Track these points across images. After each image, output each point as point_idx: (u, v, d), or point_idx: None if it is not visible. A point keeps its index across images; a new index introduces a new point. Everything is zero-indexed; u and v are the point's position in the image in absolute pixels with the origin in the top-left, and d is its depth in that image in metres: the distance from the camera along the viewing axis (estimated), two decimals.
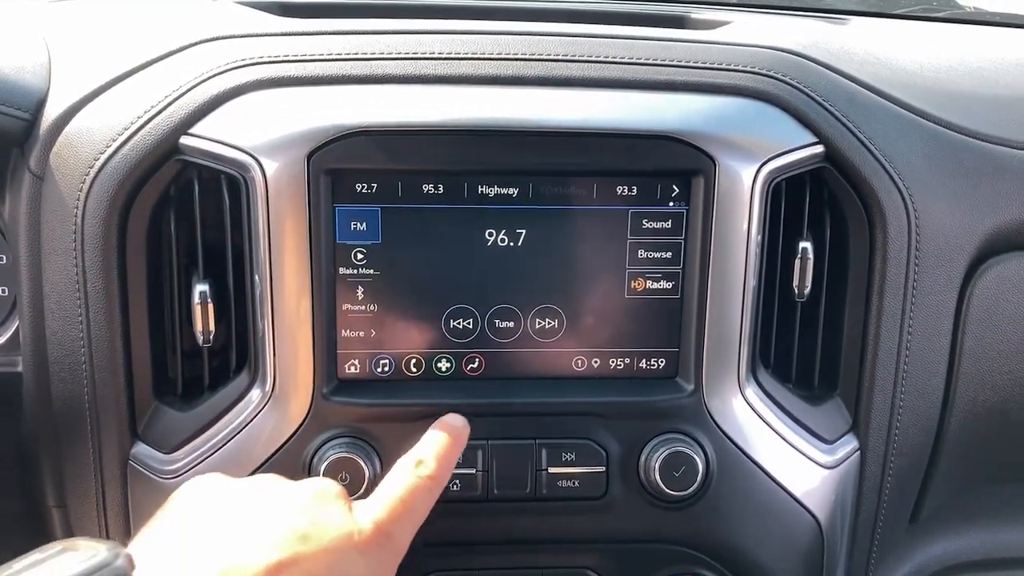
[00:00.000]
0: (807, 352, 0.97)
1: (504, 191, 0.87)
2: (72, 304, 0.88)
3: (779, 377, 0.96)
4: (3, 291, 0.98)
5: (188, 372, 0.92)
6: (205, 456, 0.89)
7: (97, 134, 0.87)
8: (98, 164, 0.86)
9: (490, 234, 0.88)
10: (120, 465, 0.92)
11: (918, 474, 1.03)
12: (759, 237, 0.89)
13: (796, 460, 0.94)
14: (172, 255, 0.90)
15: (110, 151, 0.86)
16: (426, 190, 0.86)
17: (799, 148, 0.89)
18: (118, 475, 0.92)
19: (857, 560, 1.03)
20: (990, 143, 0.99)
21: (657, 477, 0.88)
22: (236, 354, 0.91)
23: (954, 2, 1.52)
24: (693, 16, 1.17)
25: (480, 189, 0.87)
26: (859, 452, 0.97)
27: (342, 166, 0.84)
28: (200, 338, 0.89)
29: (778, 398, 0.94)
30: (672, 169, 0.87)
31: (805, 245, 0.92)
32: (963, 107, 1.01)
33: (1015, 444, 1.05)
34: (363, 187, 0.86)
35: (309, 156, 0.83)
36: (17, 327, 0.96)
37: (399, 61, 0.88)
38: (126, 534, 0.95)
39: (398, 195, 0.86)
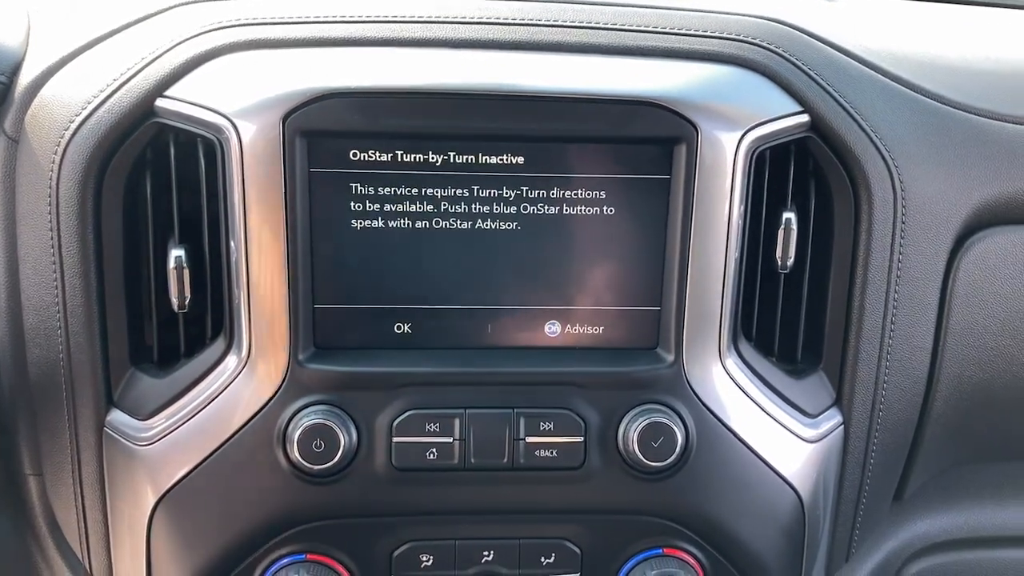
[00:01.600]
0: (790, 325, 0.96)
1: (483, 158, 0.86)
2: (47, 269, 0.88)
3: (762, 350, 0.95)
4: None
5: (164, 339, 0.92)
6: (180, 423, 0.89)
7: (72, 96, 0.86)
8: (73, 126, 0.85)
9: (469, 201, 0.87)
10: (95, 432, 0.91)
11: (902, 451, 1.02)
12: (742, 207, 0.88)
13: (778, 433, 0.93)
14: (148, 220, 0.89)
15: (85, 113, 0.85)
16: (402, 156, 0.85)
17: (783, 117, 0.88)
18: (93, 442, 0.92)
19: (839, 536, 1.02)
20: (979, 116, 0.98)
21: (635, 448, 0.88)
22: (212, 320, 0.90)
23: None
24: None
25: (458, 155, 0.85)
26: (842, 427, 0.96)
27: (318, 128, 0.83)
28: (175, 304, 0.88)
29: (760, 371, 0.93)
30: (654, 136, 0.86)
31: (789, 216, 0.91)
32: (952, 80, 1.00)
33: (1000, 421, 1.04)
34: (339, 152, 0.84)
35: (284, 118, 0.82)
36: None
37: (376, 24, 0.87)
38: (102, 501, 0.94)
39: (374, 160, 0.85)
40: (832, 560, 1.04)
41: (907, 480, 1.05)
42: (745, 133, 0.86)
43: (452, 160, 0.86)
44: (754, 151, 0.87)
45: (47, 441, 0.94)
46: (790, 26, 0.94)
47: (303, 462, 0.86)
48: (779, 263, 0.92)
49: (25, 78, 0.89)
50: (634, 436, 0.88)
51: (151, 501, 0.90)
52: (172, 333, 0.91)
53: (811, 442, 0.94)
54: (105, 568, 0.97)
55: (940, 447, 1.04)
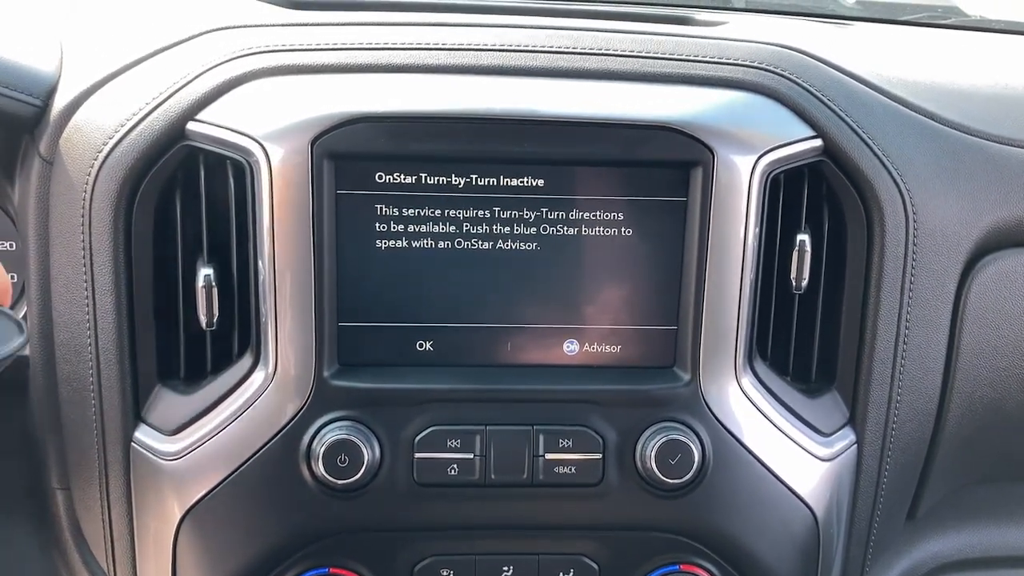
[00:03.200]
0: (805, 345, 0.98)
1: (504, 180, 0.88)
2: (79, 287, 0.90)
3: (776, 369, 0.97)
4: (12, 277, 1.00)
5: (191, 356, 0.94)
6: (207, 438, 0.90)
7: (106, 120, 0.89)
8: (107, 149, 0.88)
9: (490, 223, 0.89)
10: (123, 447, 0.93)
11: (915, 469, 1.03)
12: (757, 229, 0.90)
13: (792, 452, 0.94)
14: (177, 239, 0.91)
15: (118, 136, 0.88)
16: (425, 179, 0.87)
17: (797, 142, 0.90)
18: (120, 457, 0.94)
19: (854, 554, 1.03)
20: (989, 141, 1.00)
21: (653, 465, 0.89)
22: (239, 337, 0.92)
23: (959, 10, 1.53)
24: (697, 16, 1.19)
25: (480, 178, 0.88)
26: (856, 446, 0.98)
27: (345, 151, 0.85)
28: (203, 321, 0.90)
29: (775, 389, 0.95)
30: (672, 160, 0.88)
31: (803, 238, 0.93)
32: (962, 105, 1.02)
33: (1012, 441, 1.06)
34: (365, 174, 0.87)
35: (313, 142, 0.85)
36: (24, 313, 0.98)
37: (402, 51, 0.89)
38: (128, 515, 0.96)
39: (398, 183, 0.87)
40: None
41: (920, 499, 1.07)
42: (760, 157, 0.88)
43: (474, 183, 0.88)
44: (769, 175, 0.89)
45: (75, 456, 0.96)
46: (804, 53, 0.96)
47: (327, 477, 0.88)
48: (794, 284, 0.94)
49: (60, 102, 0.92)
50: (651, 453, 0.89)
51: (177, 515, 0.92)
52: (199, 350, 0.93)
53: (825, 460, 0.96)
54: None
55: (953, 466, 1.05)
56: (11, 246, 1.00)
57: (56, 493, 1.01)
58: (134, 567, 0.98)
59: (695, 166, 0.88)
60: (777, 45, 0.96)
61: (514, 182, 0.88)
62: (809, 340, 0.98)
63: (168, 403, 0.93)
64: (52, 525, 1.03)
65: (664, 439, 0.89)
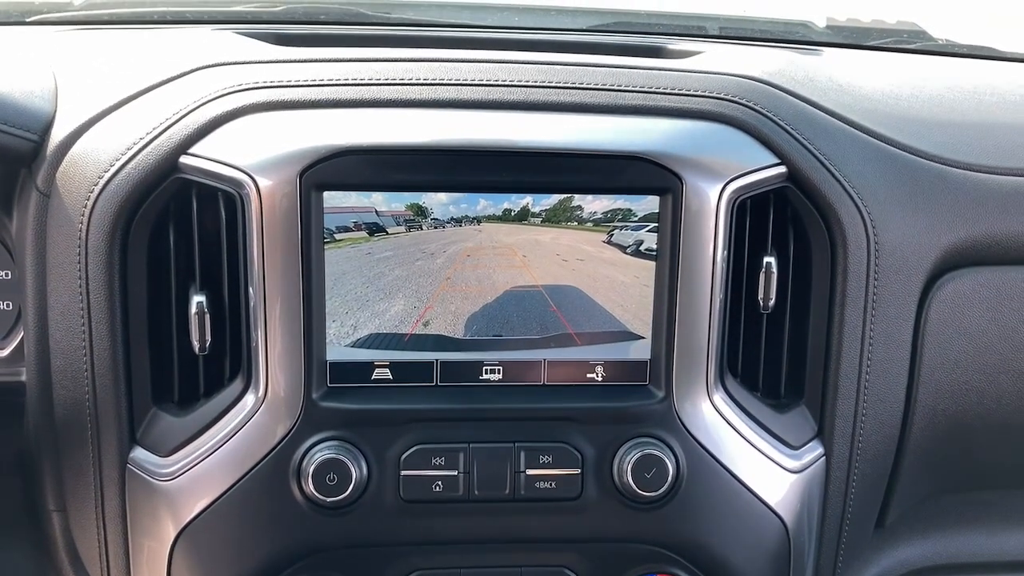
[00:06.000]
0: (774, 362, 1.02)
1: (487, 209, 0.92)
2: (75, 316, 0.93)
3: (747, 386, 1.01)
4: (7, 305, 1.03)
5: (184, 380, 0.97)
6: (201, 459, 0.94)
7: (101, 154, 0.93)
8: (102, 182, 0.91)
9: (472, 250, 0.93)
10: (119, 469, 0.96)
11: (882, 480, 1.08)
12: (725, 252, 0.94)
13: (763, 464, 0.98)
14: (171, 268, 0.95)
15: (113, 170, 0.91)
16: (410, 210, 0.91)
17: (762, 168, 0.95)
18: (116, 479, 0.97)
19: (824, 563, 1.07)
20: (945, 165, 1.04)
21: (629, 479, 0.93)
22: (230, 362, 0.96)
23: (926, 35, 1.58)
24: (669, 47, 1.23)
25: (463, 207, 0.92)
26: (824, 458, 1.02)
27: (332, 182, 0.89)
28: (197, 346, 0.93)
29: (745, 405, 0.99)
30: (642, 187, 0.92)
31: (769, 260, 0.97)
32: (920, 132, 1.07)
33: (974, 452, 1.10)
34: (350, 204, 0.91)
35: (301, 174, 0.89)
36: (21, 339, 1.01)
37: (387, 87, 0.94)
38: (124, 535, 0.99)
39: (384, 212, 0.91)
40: None
41: (888, 508, 1.11)
42: (727, 184, 0.93)
43: (458, 211, 0.92)
44: (735, 200, 0.94)
45: (71, 478, 0.99)
46: (769, 84, 1.01)
47: (317, 495, 0.91)
48: (761, 304, 0.98)
49: (56, 137, 0.95)
50: (628, 468, 0.93)
51: (172, 534, 0.95)
52: (192, 374, 0.97)
53: (795, 472, 1.00)
54: None
55: (918, 477, 1.09)
56: (7, 275, 1.03)
57: (52, 515, 1.04)
58: None
59: (665, 193, 0.92)
60: (744, 77, 1.01)
61: (496, 211, 0.92)
62: (778, 357, 1.02)
63: (162, 425, 0.96)
64: (48, 547, 1.06)
65: (640, 454, 0.93)
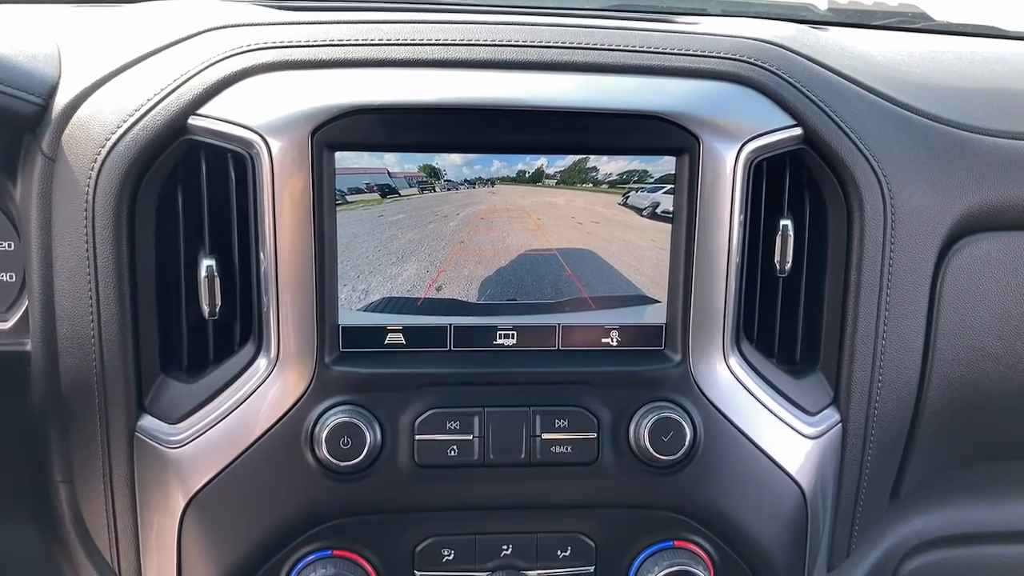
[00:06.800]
0: (790, 328, 1.01)
1: (501, 170, 0.91)
2: (82, 281, 0.92)
3: (763, 351, 1.00)
4: (10, 276, 1.01)
5: (193, 346, 0.96)
6: (210, 426, 0.92)
7: (108, 116, 0.91)
8: (109, 144, 0.90)
9: (485, 213, 0.92)
10: (127, 437, 0.95)
11: (898, 449, 1.07)
12: (742, 214, 0.93)
13: (780, 429, 0.97)
14: (180, 232, 0.93)
15: (121, 132, 0.90)
16: (425, 170, 0.90)
17: (778, 130, 0.94)
18: (124, 447, 0.95)
19: (840, 532, 1.07)
20: (960, 130, 1.04)
21: (647, 442, 0.92)
22: (240, 327, 0.94)
23: (927, 16, 1.58)
24: (675, 20, 1.22)
25: (477, 168, 0.91)
26: (840, 425, 1.01)
27: (344, 142, 0.88)
28: (206, 311, 0.92)
29: (761, 370, 0.98)
30: (659, 147, 0.91)
31: (785, 223, 0.96)
32: (935, 97, 1.06)
33: (989, 421, 1.09)
34: (362, 165, 0.90)
35: (313, 133, 0.87)
36: (25, 310, 0.99)
37: (398, 47, 0.92)
38: (132, 505, 0.97)
39: (398, 173, 0.90)
40: (833, 555, 1.08)
41: (903, 478, 1.10)
42: (743, 145, 0.92)
43: (471, 173, 0.91)
44: (752, 162, 0.93)
45: (78, 448, 0.97)
46: (784, 47, 1.00)
47: (331, 459, 0.90)
48: (777, 267, 0.97)
49: (61, 100, 0.94)
50: (645, 432, 0.92)
51: (182, 503, 0.94)
52: (201, 340, 0.95)
53: (811, 438, 0.99)
54: (134, 570, 1.00)
55: (934, 446, 1.09)
56: (9, 246, 1.02)
57: (59, 487, 1.02)
58: (138, 555, 0.99)
59: (682, 153, 0.91)
60: (759, 40, 1.00)
61: (511, 172, 0.91)
62: (793, 323, 1.01)
63: (171, 392, 0.95)
64: (55, 520, 1.04)
65: (656, 417, 0.92)
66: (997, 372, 1.05)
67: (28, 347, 0.98)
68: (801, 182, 0.99)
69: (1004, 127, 1.05)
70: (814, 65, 1.00)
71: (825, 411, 1.01)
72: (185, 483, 0.93)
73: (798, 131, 0.95)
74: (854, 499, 1.05)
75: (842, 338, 1.00)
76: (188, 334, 0.95)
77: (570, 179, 0.92)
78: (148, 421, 0.95)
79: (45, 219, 0.93)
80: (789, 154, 0.96)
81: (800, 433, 0.98)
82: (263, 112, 0.89)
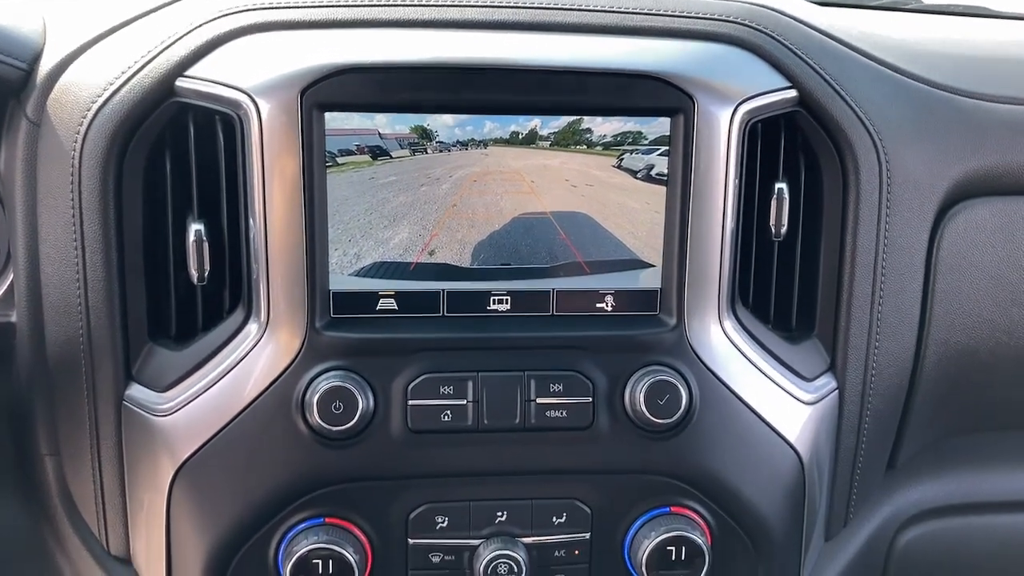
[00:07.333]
0: (785, 293, 1.00)
1: (493, 132, 0.90)
2: (68, 247, 0.90)
3: (759, 317, 0.99)
4: None
5: (182, 313, 0.94)
6: (199, 393, 0.91)
7: (94, 79, 0.90)
8: (95, 107, 0.89)
9: (478, 175, 0.91)
10: (114, 407, 0.93)
11: (895, 417, 1.06)
12: (737, 177, 0.92)
13: (776, 394, 0.96)
14: (167, 196, 0.92)
15: (107, 95, 0.89)
16: (417, 130, 0.89)
17: (773, 91, 0.93)
18: (112, 417, 0.94)
19: (837, 501, 1.06)
20: (958, 95, 1.03)
21: (642, 406, 0.91)
22: (230, 292, 0.93)
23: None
24: None
25: (469, 129, 0.89)
26: (837, 392, 1.00)
27: (333, 102, 0.87)
28: (195, 276, 0.91)
29: (757, 335, 0.97)
30: (653, 108, 0.90)
31: (781, 185, 0.95)
32: (930, 62, 1.05)
33: (986, 390, 1.09)
34: (353, 126, 0.88)
35: (302, 93, 0.86)
36: (10, 283, 0.97)
37: (388, 7, 0.91)
38: (120, 476, 0.96)
39: (390, 134, 0.89)
40: (830, 525, 1.07)
41: (900, 448, 1.09)
42: (738, 106, 0.91)
43: (463, 134, 0.89)
44: (747, 124, 0.92)
45: (65, 420, 0.96)
46: (778, 11, 0.99)
47: (322, 424, 0.88)
48: (773, 231, 0.96)
49: (46, 64, 0.93)
50: (640, 395, 0.91)
51: (170, 472, 0.92)
52: (189, 308, 0.94)
53: (808, 404, 0.98)
54: (123, 542, 0.99)
55: (930, 415, 1.08)
56: None
57: (45, 460, 1.00)
58: (126, 527, 0.98)
59: (676, 114, 0.90)
60: (752, 3, 0.99)
61: (503, 133, 0.90)
62: (789, 289, 1.00)
63: (159, 360, 0.93)
64: (40, 495, 1.02)
65: (652, 381, 0.91)
66: (993, 339, 1.04)
67: (13, 318, 0.96)
68: (796, 146, 0.98)
69: (1000, 92, 1.04)
70: (808, 28, 0.99)
71: (822, 377, 1.00)
72: (174, 452, 0.92)
73: (793, 93, 0.94)
74: (851, 468, 1.04)
75: (838, 304, 0.99)
76: (176, 301, 0.94)
77: (564, 141, 0.91)
78: (136, 390, 0.93)
79: (30, 186, 0.92)
80: (784, 117, 0.95)
81: (797, 399, 0.97)
82: (252, 73, 0.87)
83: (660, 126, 0.91)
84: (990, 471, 1.19)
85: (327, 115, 0.87)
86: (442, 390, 0.91)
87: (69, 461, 0.98)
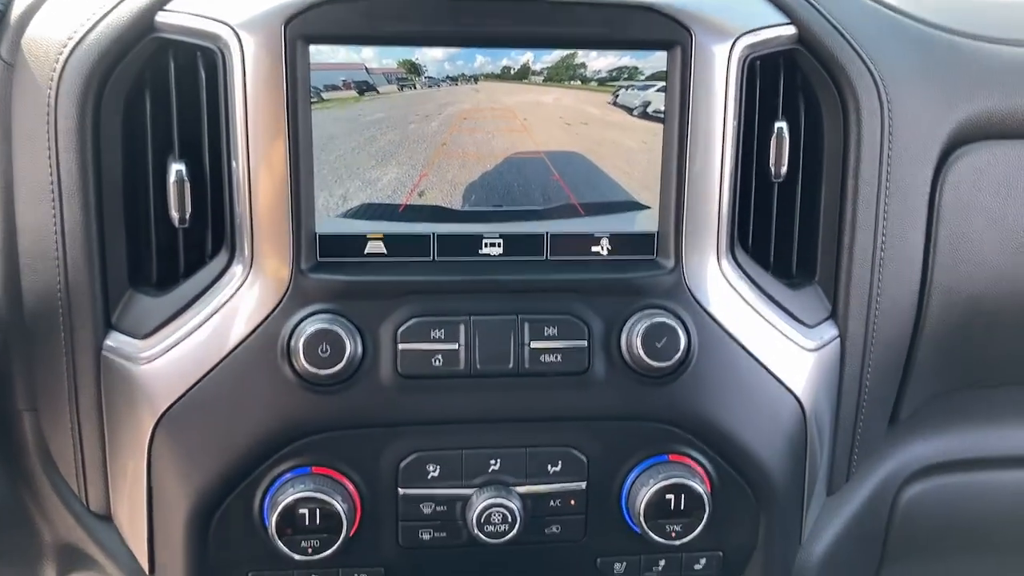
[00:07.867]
0: (785, 238, 0.98)
1: (484, 66, 0.87)
2: (44, 191, 0.87)
3: (759, 262, 0.97)
4: None
5: (163, 258, 0.91)
6: (181, 339, 0.88)
7: (70, 15, 0.87)
8: (71, 44, 0.85)
9: (469, 112, 0.88)
10: (93, 357, 0.90)
11: (897, 368, 1.03)
12: (735, 116, 0.90)
13: (777, 340, 0.94)
14: (147, 138, 0.89)
15: (83, 31, 0.86)
16: (404, 65, 0.86)
17: (771, 27, 0.90)
18: (91, 368, 0.90)
19: (839, 455, 1.03)
20: (960, 37, 1.01)
21: (639, 349, 0.88)
22: (213, 236, 0.90)
23: None
24: None
25: (459, 63, 0.87)
26: (839, 340, 0.98)
27: (319, 34, 0.84)
28: (176, 218, 0.88)
29: (757, 279, 0.94)
30: (649, 40, 0.87)
31: (780, 125, 0.93)
32: (931, 5, 1.03)
33: (990, 340, 1.06)
34: (339, 60, 0.85)
35: (286, 24, 0.83)
36: None
37: None
38: (100, 429, 0.93)
39: (376, 68, 0.86)
40: (833, 479, 1.04)
41: (902, 401, 1.06)
42: (736, 40, 0.88)
43: (453, 68, 0.87)
44: (745, 60, 0.90)
45: (42, 373, 0.92)
46: None
47: (309, 368, 0.85)
48: (773, 171, 0.94)
49: (20, 3, 0.90)
50: (637, 338, 0.88)
51: (151, 423, 0.89)
52: (171, 253, 0.91)
53: (810, 351, 0.95)
54: (103, 498, 0.95)
55: (934, 367, 1.05)
56: None
57: (22, 416, 0.97)
58: (107, 485, 0.95)
59: (673, 47, 0.87)
60: None
61: (494, 67, 0.87)
62: (789, 233, 0.98)
63: (140, 307, 0.90)
64: (17, 452, 0.99)
65: (649, 323, 0.88)
66: (998, 286, 1.02)
67: None
68: (796, 86, 0.95)
69: (1002, 34, 1.02)
70: None
71: (823, 324, 0.97)
72: (154, 401, 0.89)
73: (791, 29, 0.91)
74: (853, 420, 1.02)
75: (839, 249, 0.96)
76: (157, 246, 0.91)
77: (557, 76, 0.88)
78: (115, 338, 0.90)
79: (4, 128, 0.89)
80: (783, 56, 0.93)
81: (798, 345, 0.95)
82: (234, 4, 0.84)
83: (657, 61, 0.89)
84: (995, 426, 1.17)
85: (312, 48, 0.84)
86: (433, 334, 0.88)
87: (47, 416, 0.95)
